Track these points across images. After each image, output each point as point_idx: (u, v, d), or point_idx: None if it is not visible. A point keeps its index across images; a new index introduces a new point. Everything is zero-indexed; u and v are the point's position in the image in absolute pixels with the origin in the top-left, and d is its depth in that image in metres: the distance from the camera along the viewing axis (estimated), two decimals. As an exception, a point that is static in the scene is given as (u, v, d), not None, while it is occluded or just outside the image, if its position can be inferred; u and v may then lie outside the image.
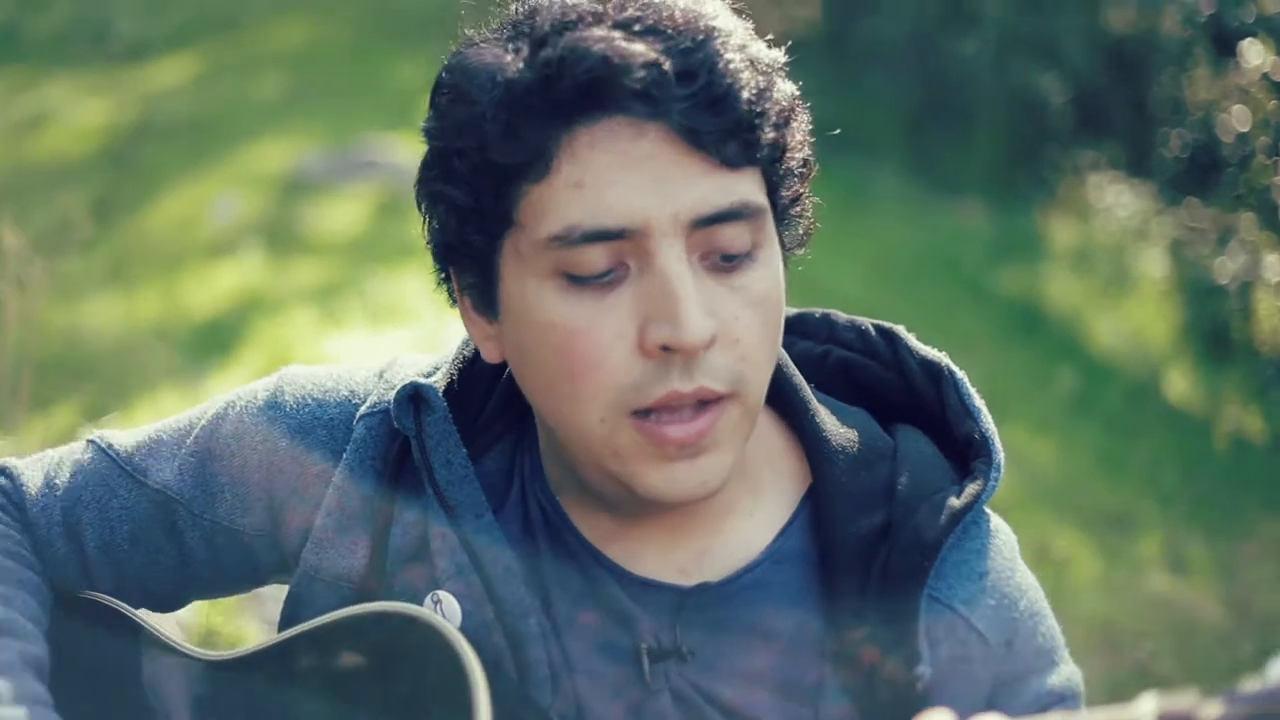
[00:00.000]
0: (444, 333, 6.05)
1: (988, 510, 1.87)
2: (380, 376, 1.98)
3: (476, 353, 1.93)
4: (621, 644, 1.82)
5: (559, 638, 1.82)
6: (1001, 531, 1.87)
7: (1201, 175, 8.42)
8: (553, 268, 1.69)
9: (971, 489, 1.82)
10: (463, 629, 1.78)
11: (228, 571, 1.99)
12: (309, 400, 1.95)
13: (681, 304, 1.65)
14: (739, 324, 1.69)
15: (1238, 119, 7.95)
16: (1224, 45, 8.23)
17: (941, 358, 1.93)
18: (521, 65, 1.67)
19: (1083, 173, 10.08)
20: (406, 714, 1.80)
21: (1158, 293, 8.79)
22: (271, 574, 2.00)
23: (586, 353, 1.69)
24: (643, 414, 1.68)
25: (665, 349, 1.65)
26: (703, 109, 1.64)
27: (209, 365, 6.04)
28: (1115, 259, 9.23)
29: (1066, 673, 1.84)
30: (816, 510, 1.85)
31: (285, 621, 1.94)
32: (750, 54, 1.70)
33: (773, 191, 1.75)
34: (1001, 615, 1.81)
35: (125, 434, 2.02)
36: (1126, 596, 5.55)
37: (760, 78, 1.69)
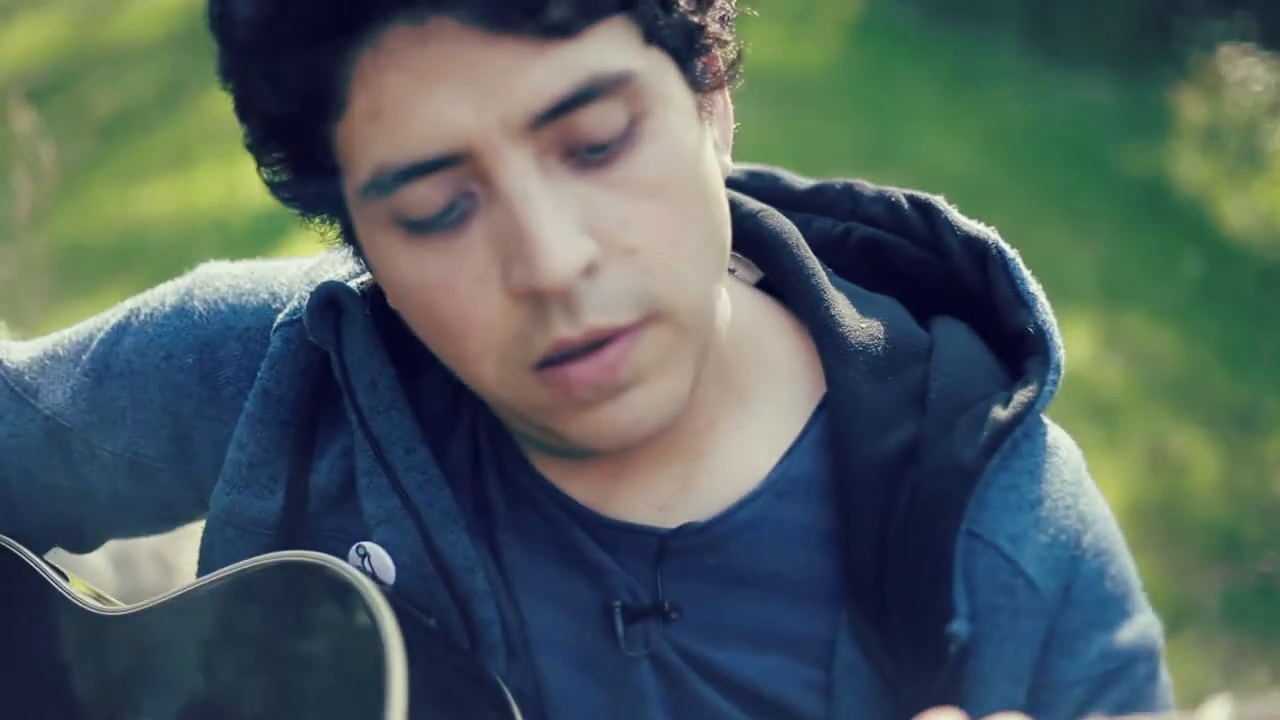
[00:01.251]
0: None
1: (1045, 420, 1.56)
2: (308, 276, 1.67)
3: None
4: (589, 601, 1.56)
5: (513, 595, 1.57)
6: (1061, 447, 1.54)
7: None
8: (387, 217, 1.37)
9: (1022, 395, 1.50)
10: (397, 585, 1.55)
11: (136, 509, 1.72)
12: (222, 306, 1.67)
13: (532, 234, 1.32)
14: (632, 229, 1.35)
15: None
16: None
17: (989, 233, 1.60)
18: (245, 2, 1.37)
19: (1214, 45, 9.57)
20: (310, 685, 1.52)
21: (1293, 172, 8.34)
22: (189, 510, 1.73)
23: (451, 310, 1.38)
24: (541, 364, 1.36)
25: (532, 294, 1.33)
26: None
27: (265, 252, 5.75)
28: (1247, 136, 8.76)
29: (1141, 625, 1.53)
30: (831, 425, 1.52)
31: (202, 573, 1.67)
32: None
33: (652, 35, 1.38)
34: (1058, 554, 1.51)
35: (24, 346, 1.76)
36: (1250, 502, 5.21)
37: None
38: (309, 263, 1.72)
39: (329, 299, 1.57)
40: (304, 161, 1.43)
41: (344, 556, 1.54)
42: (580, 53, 1.33)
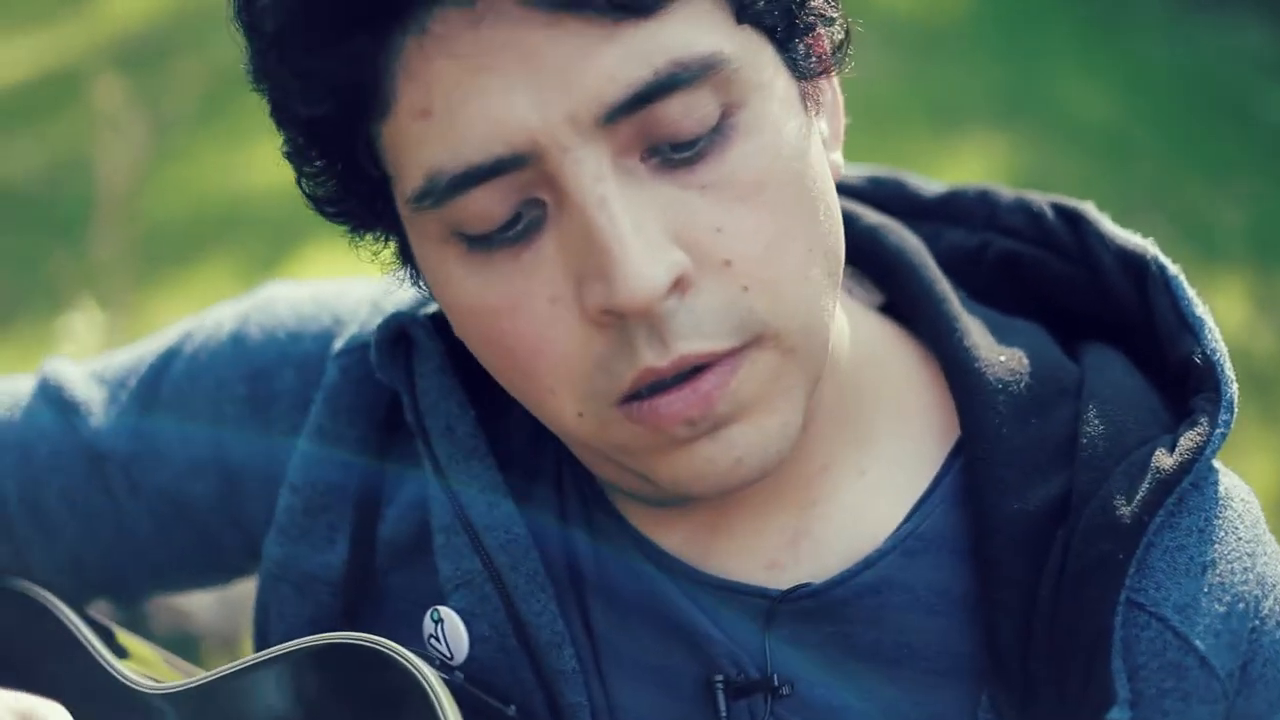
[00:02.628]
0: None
1: (1217, 466, 1.38)
2: (375, 303, 1.52)
3: None
4: (688, 673, 1.40)
5: (602, 671, 1.42)
6: (1235, 498, 1.34)
7: None
8: (443, 231, 1.20)
9: (1190, 439, 1.31)
10: (473, 658, 1.40)
11: (183, 553, 1.58)
12: (279, 333, 1.54)
13: (610, 246, 1.14)
14: (727, 238, 1.18)
15: None
16: None
17: (1147, 246, 1.42)
18: None
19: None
20: None
21: None
22: (243, 560, 1.59)
23: (521, 338, 1.21)
24: (626, 399, 1.23)
25: (611, 313, 1.16)
26: None
27: None
28: None
29: None
30: (968, 475, 1.34)
31: (257, 636, 1.55)
32: None
33: (744, 12, 1.19)
34: (1234, 627, 1.32)
35: (75, 366, 1.64)
36: None
37: None
38: (378, 288, 1.57)
39: (399, 333, 1.43)
40: (349, 171, 1.28)
41: (415, 620, 1.42)
42: (660, 34, 1.17)
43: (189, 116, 6.36)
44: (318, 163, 1.30)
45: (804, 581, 1.36)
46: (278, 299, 1.60)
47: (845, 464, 1.40)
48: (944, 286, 1.46)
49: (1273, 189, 6.94)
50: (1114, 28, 8.44)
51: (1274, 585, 1.36)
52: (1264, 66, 8.41)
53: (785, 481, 1.38)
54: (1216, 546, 1.33)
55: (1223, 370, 1.37)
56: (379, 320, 1.50)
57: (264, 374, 1.54)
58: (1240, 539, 1.35)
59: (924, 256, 1.49)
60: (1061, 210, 1.51)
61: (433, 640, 1.40)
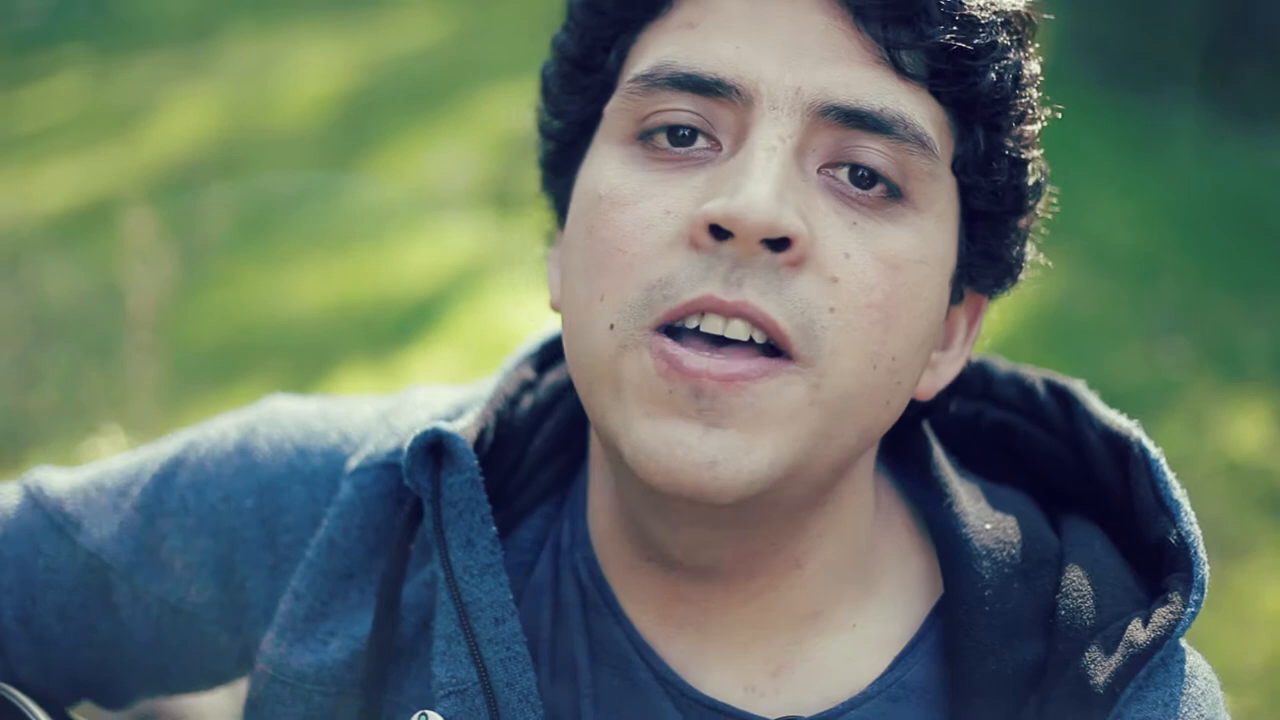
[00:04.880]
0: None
1: (1184, 645, 1.47)
2: (385, 419, 1.59)
3: (521, 390, 1.56)
4: None
5: None
6: (1199, 676, 1.42)
7: None
8: (631, 126, 1.32)
9: (1162, 617, 1.37)
10: None
11: (177, 661, 1.61)
12: (287, 446, 1.59)
13: (750, 173, 1.25)
14: (847, 264, 1.28)
15: None
16: None
17: (1131, 429, 1.49)
18: None
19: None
20: None
21: None
22: (236, 667, 1.62)
23: (620, 228, 1.30)
24: (664, 331, 1.26)
25: (716, 232, 1.24)
26: None
27: (412, 341, 5.82)
28: None
29: None
30: (949, 633, 1.42)
31: None
32: None
33: (965, 168, 1.36)
34: None
35: (65, 475, 1.66)
36: None
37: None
38: (385, 404, 1.64)
39: (434, 444, 1.47)
40: (592, 68, 1.44)
41: (406, 717, 1.45)
42: (904, 96, 1.33)
43: (226, 242, 6.45)
44: (572, 50, 1.46)
45: (788, 715, 1.42)
46: (282, 412, 1.65)
47: (838, 615, 1.47)
48: (937, 453, 1.54)
49: (1303, 311, 6.93)
50: (1148, 149, 8.49)
51: None
52: (1297, 185, 8.46)
53: (776, 614, 1.45)
54: None
55: (1196, 552, 1.43)
56: (386, 436, 1.57)
57: (272, 488, 1.59)
58: (1202, 715, 1.41)
59: (924, 423, 1.57)
60: (1053, 387, 1.59)
61: None
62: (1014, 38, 1.40)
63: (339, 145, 7.82)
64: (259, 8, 9.97)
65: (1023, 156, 1.44)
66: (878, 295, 1.32)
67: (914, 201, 1.35)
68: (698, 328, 1.30)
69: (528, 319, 5.77)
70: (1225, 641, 4.28)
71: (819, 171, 1.34)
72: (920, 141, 1.33)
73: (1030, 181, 1.46)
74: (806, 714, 1.42)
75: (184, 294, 4.41)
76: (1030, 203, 1.48)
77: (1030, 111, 1.44)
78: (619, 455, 1.34)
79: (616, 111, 1.38)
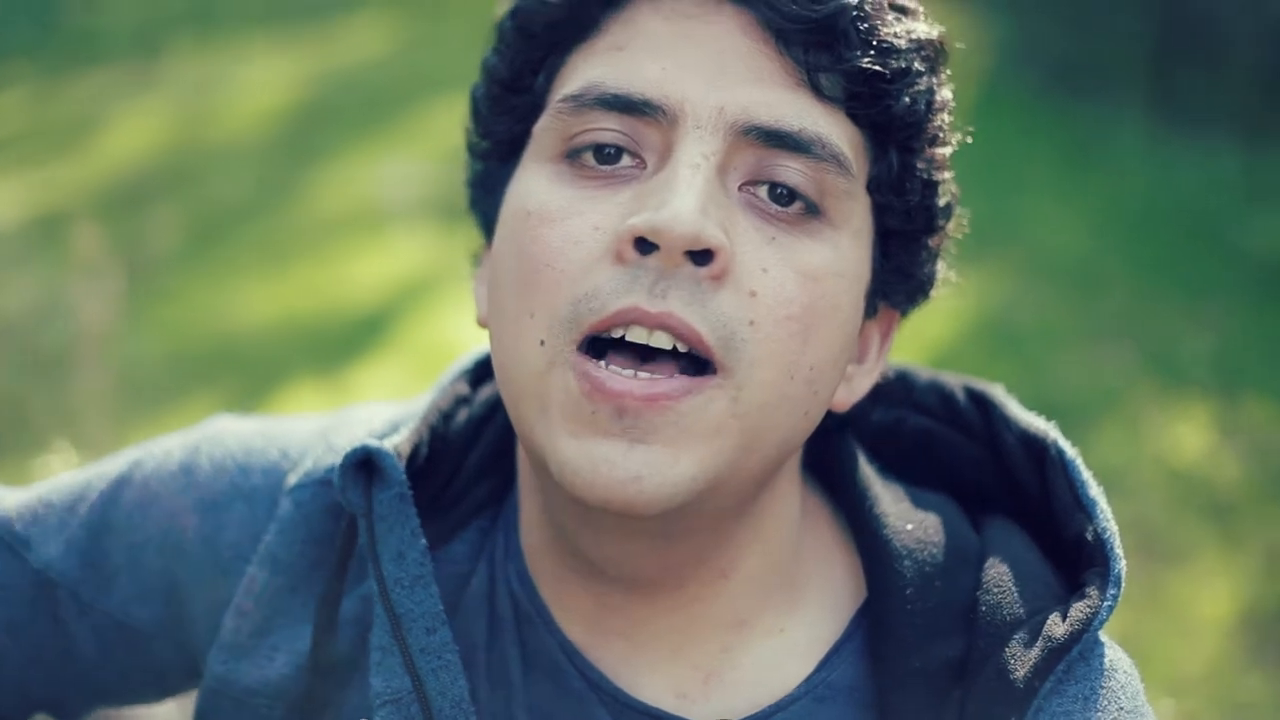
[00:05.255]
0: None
1: (1104, 639, 1.50)
2: (323, 436, 1.62)
3: (456, 405, 1.59)
4: None
5: None
6: (1119, 670, 1.45)
7: None
8: (558, 145, 1.37)
9: (1080, 611, 1.41)
10: None
11: (124, 675, 1.65)
12: (229, 465, 1.62)
13: (675, 188, 1.30)
14: (764, 279, 1.33)
15: None
16: None
17: (1047, 430, 1.53)
18: None
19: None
20: None
21: None
22: (181, 680, 1.66)
23: (548, 244, 1.34)
24: (589, 349, 1.31)
25: (641, 245, 1.29)
26: None
27: (361, 355, 5.83)
28: (1379, 205, 8.50)
29: None
30: (873, 633, 1.46)
31: None
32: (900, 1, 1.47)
33: (879, 187, 1.42)
34: None
35: (15, 493, 1.69)
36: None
37: (891, 7, 1.45)
38: (325, 422, 1.67)
39: (364, 460, 1.50)
40: (521, 90, 1.49)
41: None
42: (822, 117, 1.39)
43: (173, 257, 6.46)
44: (501, 73, 1.51)
45: (719, 718, 1.46)
46: (225, 432, 1.68)
47: (765, 621, 1.51)
48: (863, 461, 1.58)
49: (1242, 316, 6.99)
50: (1092, 155, 8.57)
51: None
52: (1240, 192, 8.51)
53: (704, 622, 1.49)
54: (1100, 714, 1.43)
55: (1112, 548, 1.47)
56: (324, 452, 1.60)
57: (214, 506, 1.62)
58: (1122, 709, 1.44)
59: (845, 430, 1.61)
60: (971, 393, 1.63)
61: None
62: (927, 64, 1.46)
63: (286, 158, 7.84)
64: (204, 22, 9.97)
65: (934, 178, 1.49)
66: (795, 308, 1.36)
67: (831, 218, 1.40)
68: (623, 337, 1.34)
69: (475, 333, 5.80)
70: (1166, 646, 4.34)
71: (740, 189, 1.39)
72: (837, 161, 1.38)
73: (941, 202, 1.51)
74: (736, 718, 1.47)
75: (132, 309, 4.42)
76: (941, 222, 1.52)
77: (942, 135, 1.49)
78: (546, 470, 1.38)
79: (545, 130, 1.43)
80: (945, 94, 1.50)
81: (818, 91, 1.39)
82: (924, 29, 1.47)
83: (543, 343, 1.36)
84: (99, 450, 4.19)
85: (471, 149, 1.58)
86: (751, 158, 1.38)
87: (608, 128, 1.39)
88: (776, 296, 1.36)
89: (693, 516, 1.40)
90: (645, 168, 1.39)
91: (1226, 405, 6.01)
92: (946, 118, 1.50)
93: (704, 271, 1.33)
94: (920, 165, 1.47)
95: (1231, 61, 9.53)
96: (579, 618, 1.51)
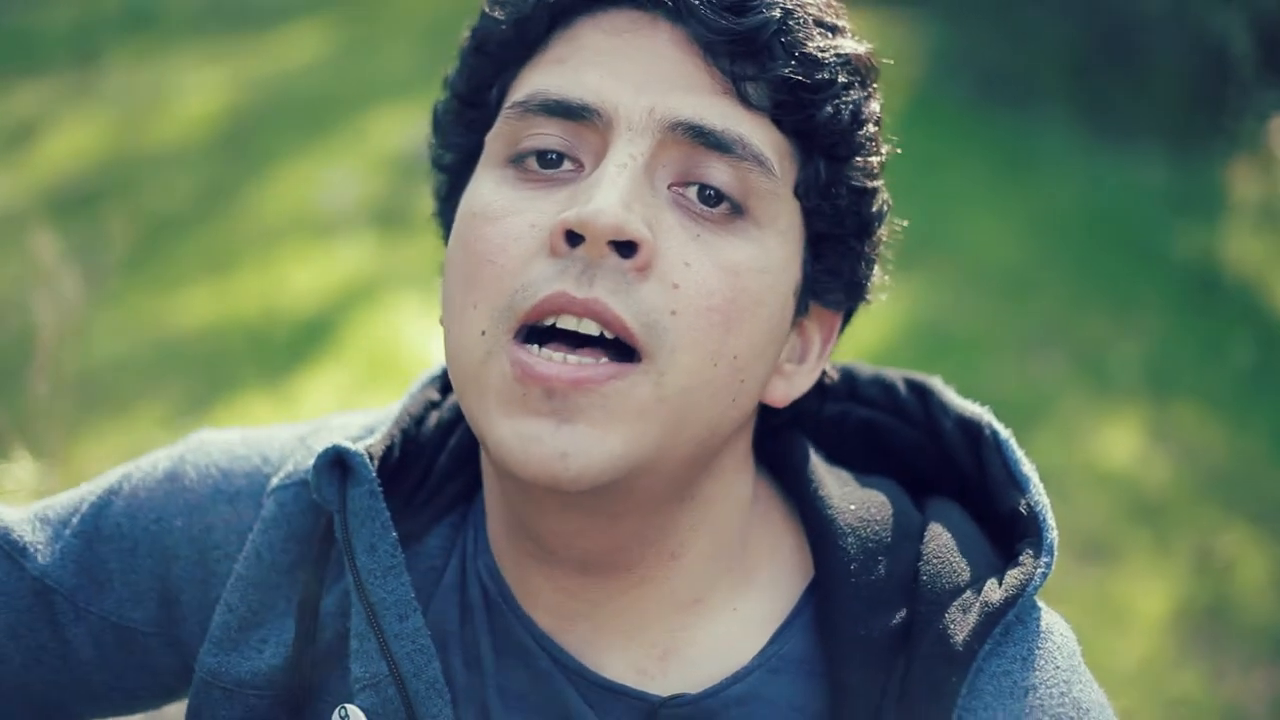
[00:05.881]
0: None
1: (1039, 604, 1.60)
2: (303, 441, 1.71)
3: (425, 409, 1.69)
4: None
5: None
6: (1055, 632, 1.55)
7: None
8: (505, 150, 1.48)
9: (1015, 578, 1.51)
10: None
11: (121, 677, 1.71)
12: (213, 471, 1.70)
13: (601, 183, 1.40)
14: (686, 271, 1.43)
15: None
16: None
17: (981, 414, 1.65)
18: None
19: (1268, 120, 9.49)
20: None
21: (1349, 252, 8.20)
22: (177, 681, 1.72)
23: (489, 241, 1.45)
24: (524, 338, 1.41)
25: (570, 238, 1.39)
26: (728, 10, 1.50)
27: (304, 361, 5.85)
28: (1301, 214, 8.65)
29: None
30: (821, 607, 1.55)
31: None
32: (825, 18, 1.56)
33: (807, 192, 1.51)
34: None
35: (14, 509, 1.77)
36: (1300, 604, 5.10)
37: (816, 23, 1.54)
38: (303, 428, 1.76)
39: (336, 460, 1.59)
40: (476, 104, 1.60)
41: (326, 716, 1.57)
42: (746, 122, 1.49)
43: (118, 263, 6.46)
44: (461, 88, 1.62)
45: (677, 692, 1.55)
46: (209, 441, 1.76)
47: (718, 600, 1.59)
48: (804, 446, 1.67)
49: (1171, 322, 7.09)
50: (1022, 165, 8.66)
51: (1088, 709, 1.54)
52: (1168, 202, 8.62)
53: (658, 602, 1.58)
54: (1037, 673, 1.52)
55: (1045, 519, 1.57)
56: (305, 456, 1.68)
57: (200, 509, 1.70)
58: (1058, 668, 1.54)
59: (795, 427, 1.70)
60: (912, 384, 1.73)
61: None
62: (854, 78, 1.54)
63: (227, 165, 7.84)
64: (141, 30, 9.94)
65: (863, 185, 1.57)
66: (717, 300, 1.45)
67: (755, 218, 1.49)
68: (554, 325, 1.44)
69: (419, 337, 5.86)
70: (1100, 644, 4.43)
71: (670, 188, 1.48)
72: (758, 160, 1.48)
73: (873, 208, 1.59)
74: (693, 691, 1.55)
75: (79, 317, 4.44)
76: (873, 227, 1.60)
77: (869, 145, 1.57)
78: (488, 451, 1.49)
79: (494, 137, 1.53)
80: (873, 106, 1.58)
81: (744, 100, 1.49)
82: (850, 45, 1.56)
83: (484, 333, 1.45)
84: (56, 459, 4.22)
85: (435, 162, 1.67)
86: (679, 155, 1.48)
87: (549, 133, 1.49)
88: (698, 288, 1.45)
89: (625, 495, 1.49)
90: (584, 170, 1.49)
91: (1156, 410, 6.14)
92: (874, 128, 1.59)
93: (629, 264, 1.43)
94: (848, 172, 1.56)
95: (1158, 72, 9.65)
96: (542, 604, 1.59)
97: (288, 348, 5.96)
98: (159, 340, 5.98)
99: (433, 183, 1.69)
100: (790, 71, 1.49)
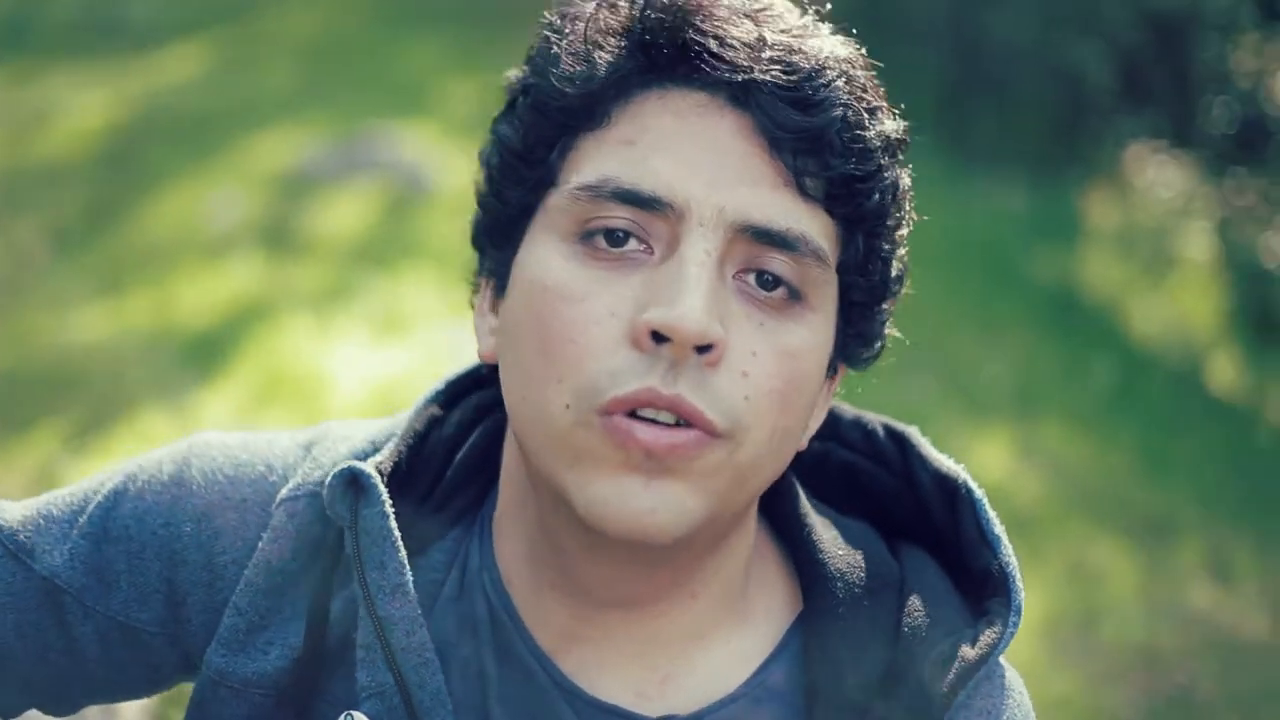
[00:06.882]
0: (449, 344, 5.78)
1: (1003, 662, 1.66)
2: (307, 451, 1.78)
3: (430, 425, 1.76)
4: None
5: None
6: (1015, 689, 1.67)
7: (1248, 146, 8.22)
8: (573, 226, 1.54)
9: (987, 637, 1.62)
10: None
11: (124, 671, 1.78)
12: (219, 477, 1.77)
13: (686, 287, 1.48)
14: (754, 361, 1.51)
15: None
16: (1272, 11, 8.04)
17: (958, 472, 1.73)
18: (622, 5, 1.60)
19: (1125, 148, 9.79)
20: None
21: (1202, 275, 8.55)
22: (174, 674, 1.80)
23: (571, 323, 1.51)
24: (610, 410, 1.49)
25: (656, 337, 1.47)
26: (792, 106, 1.53)
27: (200, 379, 5.82)
28: (1157, 240, 8.98)
29: None
30: (807, 644, 1.65)
31: None
32: (868, 97, 1.59)
33: (849, 268, 1.58)
34: None
35: (14, 506, 1.81)
36: (1166, 612, 5.29)
37: (868, 112, 1.54)
38: (302, 435, 1.83)
39: (351, 479, 1.66)
40: (533, 163, 1.61)
41: (329, 716, 1.64)
42: (805, 215, 1.54)
43: (3, 281, 6.47)
44: (513, 142, 1.64)
45: (672, 713, 1.64)
46: (213, 445, 1.81)
47: (719, 634, 1.68)
48: (796, 488, 1.76)
49: (1035, 344, 7.36)
50: None
51: None
52: (1028, 230, 8.90)
53: (669, 635, 1.66)
54: None
55: (1014, 581, 1.66)
56: (312, 467, 1.76)
57: (207, 515, 1.75)
58: None
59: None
60: (892, 432, 1.81)
61: None
62: (892, 158, 1.61)
63: (112, 184, 7.79)
64: (14, 48, 9.88)
65: (895, 254, 1.65)
66: (779, 383, 1.53)
67: (810, 303, 1.55)
68: (634, 412, 1.51)
69: (314, 355, 5.89)
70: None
71: (734, 277, 1.54)
72: (817, 256, 1.54)
73: (894, 274, 1.66)
74: (684, 713, 1.63)
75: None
76: (895, 289, 1.68)
77: (903, 219, 1.65)
78: (569, 508, 1.55)
79: (560, 210, 1.56)
80: (906, 181, 1.65)
81: (803, 192, 1.53)
82: (890, 125, 1.61)
83: (568, 406, 1.51)
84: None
85: (482, 204, 1.70)
86: (745, 251, 1.53)
87: (620, 216, 1.53)
88: (765, 375, 1.52)
89: (685, 545, 1.58)
90: (652, 253, 1.53)
91: (1024, 428, 6.36)
92: (907, 205, 1.65)
93: (705, 358, 1.50)
94: (884, 245, 1.62)
95: (1020, 102, 9.92)
96: (551, 627, 1.67)
97: (183, 366, 5.93)
98: (53, 359, 5.91)
99: (476, 217, 1.72)
100: (850, 168, 1.55)
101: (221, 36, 10.63)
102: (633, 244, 1.53)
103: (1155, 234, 9.07)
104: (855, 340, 1.67)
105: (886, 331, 1.72)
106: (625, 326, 1.51)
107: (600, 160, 1.55)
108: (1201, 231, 8.78)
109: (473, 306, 1.75)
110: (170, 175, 8.00)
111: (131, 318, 6.41)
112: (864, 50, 1.61)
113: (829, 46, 1.58)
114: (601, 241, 1.54)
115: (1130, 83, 9.95)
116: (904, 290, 1.70)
